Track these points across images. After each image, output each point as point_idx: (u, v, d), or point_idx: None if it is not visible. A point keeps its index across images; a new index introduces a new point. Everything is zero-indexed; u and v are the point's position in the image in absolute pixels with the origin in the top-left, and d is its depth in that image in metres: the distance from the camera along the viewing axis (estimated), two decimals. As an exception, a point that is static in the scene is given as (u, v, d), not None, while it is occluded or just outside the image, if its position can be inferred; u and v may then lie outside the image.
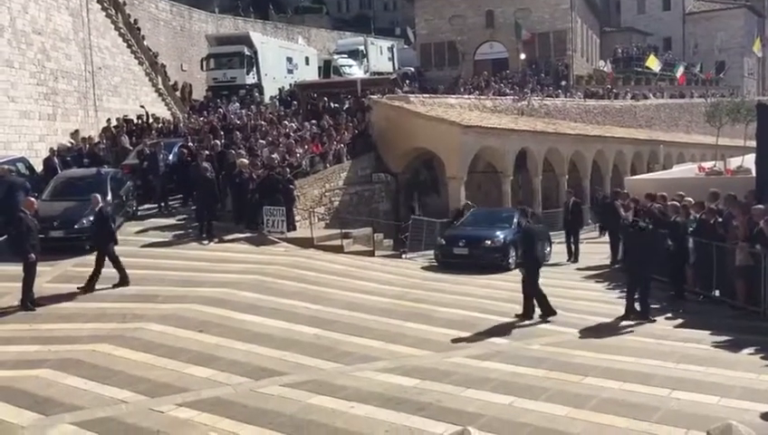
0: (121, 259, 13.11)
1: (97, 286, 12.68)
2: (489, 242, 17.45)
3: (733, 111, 31.20)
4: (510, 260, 17.31)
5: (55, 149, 21.07)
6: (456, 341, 10.52)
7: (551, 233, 21.20)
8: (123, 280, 12.95)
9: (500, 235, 17.58)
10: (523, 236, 12.94)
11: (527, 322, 11.70)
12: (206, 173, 17.60)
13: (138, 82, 30.15)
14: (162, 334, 10.39)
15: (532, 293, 11.91)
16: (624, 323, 11.71)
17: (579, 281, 16.59)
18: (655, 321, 11.85)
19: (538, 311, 11.96)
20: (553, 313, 11.84)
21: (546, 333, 11.12)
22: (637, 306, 12.01)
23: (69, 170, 18.74)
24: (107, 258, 12.89)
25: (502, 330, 11.20)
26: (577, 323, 11.79)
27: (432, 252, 19.00)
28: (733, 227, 12.80)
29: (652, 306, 12.28)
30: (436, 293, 14.12)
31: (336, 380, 8.62)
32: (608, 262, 18.60)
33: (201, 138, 22.08)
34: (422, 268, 17.64)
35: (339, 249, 17.85)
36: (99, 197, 13.85)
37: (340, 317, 11.59)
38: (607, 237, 19.64)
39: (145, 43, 32.06)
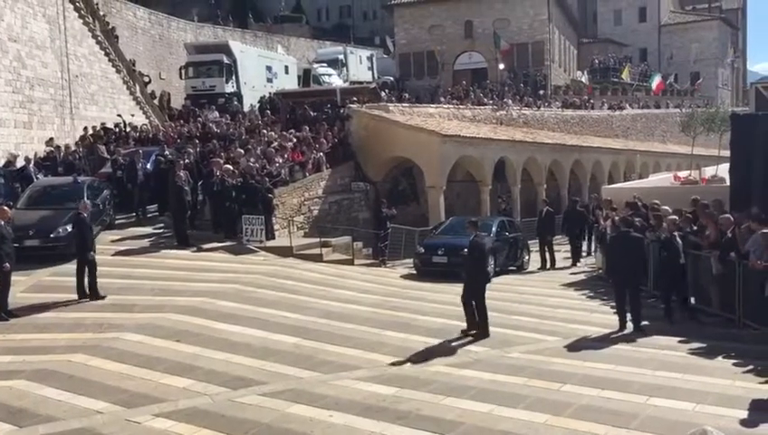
0: (98, 268, 12.96)
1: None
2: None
3: (707, 121, 31.65)
4: (489, 268, 17.33)
5: (30, 157, 20.86)
6: (429, 351, 10.53)
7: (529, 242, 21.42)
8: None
9: None
10: (471, 247, 11.83)
11: (503, 330, 11.69)
12: (178, 181, 17.49)
13: (115, 90, 29.91)
14: (139, 344, 10.29)
15: (480, 305, 11.37)
16: (614, 334, 11.50)
17: (556, 289, 16.70)
18: (644, 332, 11.57)
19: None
20: (488, 334, 11.19)
21: (525, 341, 11.16)
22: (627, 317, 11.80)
23: (45, 179, 18.54)
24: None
25: (481, 338, 11.22)
26: (556, 331, 11.85)
27: (411, 260, 19.02)
28: (705, 236, 12.96)
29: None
30: (416, 301, 14.15)
31: (315, 388, 8.59)
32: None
33: (181, 146, 21.96)
34: (401, 277, 17.65)
35: (318, 258, 17.81)
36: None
37: (319, 326, 11.56)
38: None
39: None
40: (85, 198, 16.16)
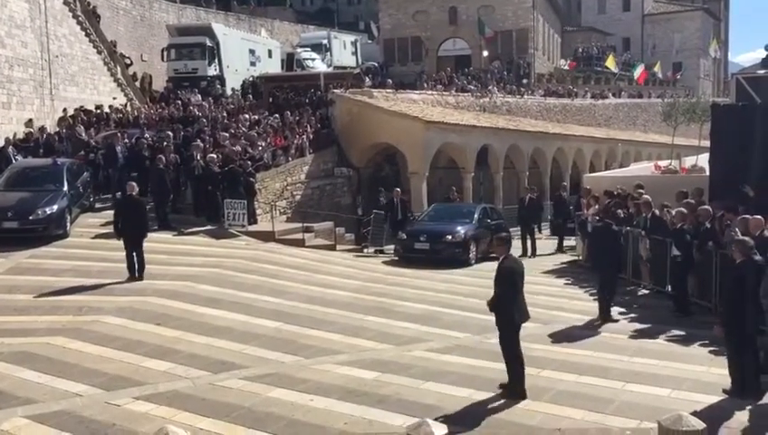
0: (76, 251, 12.91)
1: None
2: (450, 237, 17.62)
3: (688, 111, 31.91)
4: (470, 255, 17.59)
5: (10, 138, 20.61)
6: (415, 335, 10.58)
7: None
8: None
9: (461, 230, 17.80)
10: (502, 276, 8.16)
11: (483, 316, 11.74)
12: (159, 164, 17.41)
13: (96, 71, 29.55)
14: (119, 327, 10.26)
15: (508, 352, 8.03)
16: (593, 322, 11.59)
17: (537, 276, 16.78)
18: (617, 321, 11.77)
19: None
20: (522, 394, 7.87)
21: (505, 327, 11.22)
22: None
23: (24, 160, 18.34)
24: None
25: (462, 324, 11.30)
26: (536, 318, 11.89)
27: (393, 246, 19.07)
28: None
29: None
30: (397, 287, 14.20)
31: (296, 373, 8.62)
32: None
33: (161, 129, 21.78)
34: (383, 263, 17.69)
35: (300, 243, 17.80)
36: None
37: (300, 311, 11.58)
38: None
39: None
40: (65, 180, 16.11)
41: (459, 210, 20.13)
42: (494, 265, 16.53)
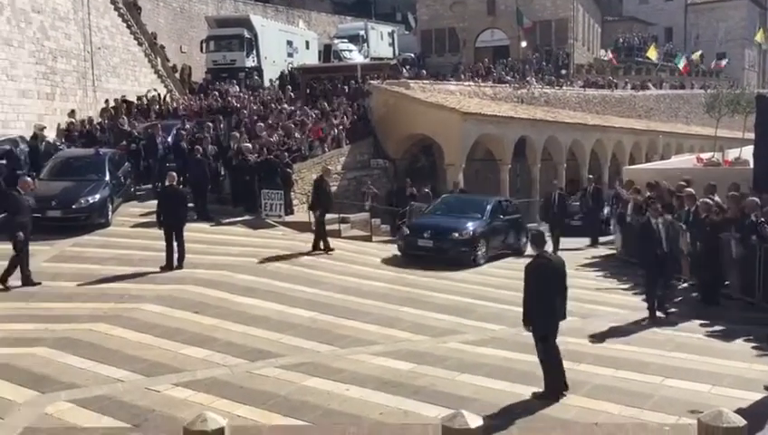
0: (118, 240, 13.13)
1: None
2: (457, 234, 15.78)
3: (732, 102, 31.12)
4: (479, 254, 15.99)
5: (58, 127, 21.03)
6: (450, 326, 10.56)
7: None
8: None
9: (469, 226, 16.02)
10: (536, 273, 7.85)
11: (518, 309, 11.66)
12: (197, 154, 17.64)
13: (137, 62, 30.02)
14: (159, 315, 10.44)
15: (545, 352, 7.79)
16: (633, 317, 11.42)
17: (572, 269, 16.56)
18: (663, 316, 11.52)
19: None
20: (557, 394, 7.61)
21: (541, 320, 11.13)
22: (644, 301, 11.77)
23: (67, 150, 18.71)
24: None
25: (496, 316, 11.25)
26: (572, 311, 11.74)
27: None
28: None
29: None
30: (432, 278, 14.17)
31: (332, 362, 8.67)
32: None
33: (202, 120, 22.05)
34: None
35: (336, 234, 17.81)
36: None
37: (335, 301, 11.65)
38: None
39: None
40: (107, 170, 16.42)
41: (470, 203, 18.12)
42: (519, 260, 16.38)
